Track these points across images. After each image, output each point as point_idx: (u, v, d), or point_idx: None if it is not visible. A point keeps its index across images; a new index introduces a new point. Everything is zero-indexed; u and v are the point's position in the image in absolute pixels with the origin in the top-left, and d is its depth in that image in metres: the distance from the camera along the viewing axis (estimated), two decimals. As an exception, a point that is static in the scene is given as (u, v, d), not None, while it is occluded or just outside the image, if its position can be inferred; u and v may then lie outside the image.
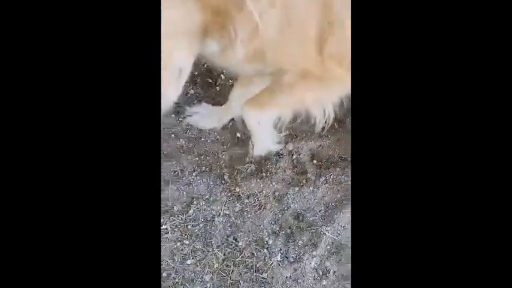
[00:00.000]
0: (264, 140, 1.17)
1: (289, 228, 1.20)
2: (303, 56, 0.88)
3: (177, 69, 0.81)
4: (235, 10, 0.78)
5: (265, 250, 1.16)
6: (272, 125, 1.10)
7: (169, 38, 0.75)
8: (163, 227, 1.19)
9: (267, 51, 0.88)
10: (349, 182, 1.26)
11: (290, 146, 1.28)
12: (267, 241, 1.18)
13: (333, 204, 1.25)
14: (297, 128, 1.26)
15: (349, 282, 1.12)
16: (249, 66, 0.97)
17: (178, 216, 1.20)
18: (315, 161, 1.30)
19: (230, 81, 1.46)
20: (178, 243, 1.16)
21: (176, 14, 0.75)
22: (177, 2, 0.75)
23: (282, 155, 1.28)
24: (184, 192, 1.24)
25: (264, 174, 1.26)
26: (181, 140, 1.33)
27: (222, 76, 1.47)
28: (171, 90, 0.81)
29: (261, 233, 1.18)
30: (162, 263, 1.14)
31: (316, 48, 0.88)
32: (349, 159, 1.30)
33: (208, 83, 1.45)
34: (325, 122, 1.05)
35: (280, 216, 1.21)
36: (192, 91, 1.40)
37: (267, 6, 0.80)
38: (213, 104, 1.38)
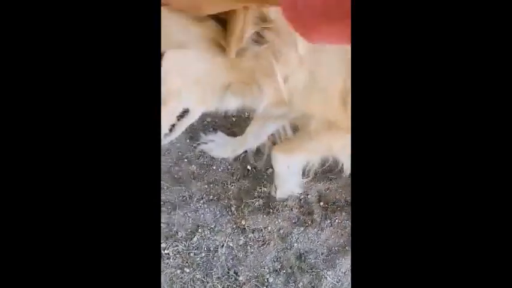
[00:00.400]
0: (289, 184, 1.19)
1: (291, 268, 1.19)
2: (328, 106, 0.91)
3: (182, 109, 0.82)
4: (263, 74, 0.81)
5: (265, 287, 1.15)
6: (300, 170, 1.13)
7: (190, 87, 0.78)
8: (165, 251, 1.18)
9: (293, 101, 0.91)
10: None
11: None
12: (267, 279, 1.17)
13: (335, 248, 1.25)
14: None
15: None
16: (271, 109, 1.00)
17: (181, 243, 1.19)
18: (321, 203, 1.31)
19: (246, 113, 1.50)
20: (179, 271, 1.15)
21: (202, 68, 0.77)
22: (206, 58, 0.76)
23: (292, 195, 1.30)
24: (190, 219, 1.24)
25: (270, 210, 1.27)
26: (193, 165, 1.34)
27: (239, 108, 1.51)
28: (164, 124, 0.81)
29: (262, 270, 1.18)
30: (160, 289, 1.12)
31: (339, 99, 0.92)
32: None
33: (225, 112, 1.48)
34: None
35: (282, 254, 1.21)
36: (208, 119, 1.42)
37: (294, 68, 0.83)
38: (228, 134, 1.41)
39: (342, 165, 1.07)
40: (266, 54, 0.77)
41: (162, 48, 0.73)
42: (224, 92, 0.84)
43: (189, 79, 0.78)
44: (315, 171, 1.18)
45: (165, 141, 0.84)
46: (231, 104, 0.90)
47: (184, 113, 0.83)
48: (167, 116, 0.80)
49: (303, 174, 1.18)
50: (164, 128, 0.82)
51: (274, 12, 0.74)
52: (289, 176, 1.17)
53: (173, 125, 0.83)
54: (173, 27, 0.73)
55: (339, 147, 1.02)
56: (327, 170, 1.28)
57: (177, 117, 0.83)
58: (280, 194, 1.25)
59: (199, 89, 0.80)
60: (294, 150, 1.10)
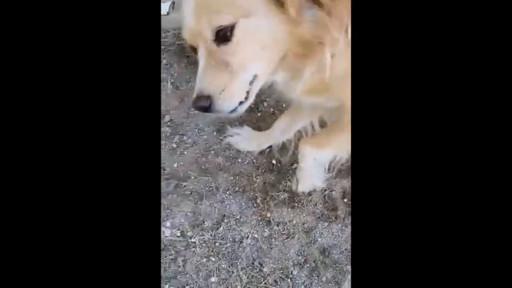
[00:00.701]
0: (312, 178, 1.20)
1: (314, 262, 1.20)
2: None
3: (252, 75, 0.83)
4: (315, 47, 0.83)
5: (288, 280, 1.16)
6: (326, 164, 1.14)
7: (258, 48, 0.80)
8: (191, 240, 1.19)
9: (333, 87, 0.93)
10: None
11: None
12: (291, 271, 1.17)
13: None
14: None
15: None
16: (306, 98, 1.01)
17: (208, 232, 1.20)
18: (345, 200, 1.32)
19: (271, 109, 1.52)
20: (205, 259, 1.16)
21: (271, 29, 0.79)
22: (271, 23, 0.79)
23: (314, 189, 1.31)
24: (217, 209, 1.25)
25: (295, 204, 1.28)
26: (219, 157, 1.36)
27: (265, 103, 1.53)
28: (240, 92, 0.83)
29: (286, 262, 1.18)
30: (186, 276, 1.14)
31: None
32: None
33: (250, 107, 1.50)
34: None
35: (306, 248, 1.22)
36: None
37: (340, 50, 0.85)
38: (253, 128, 1.43)
39: None
40: (321, 23, 0.78)
41: (234, 19, 0.77)
42: (280, 62, 0.85)
43: (258, 46, 0.80)
44: (339, 167, 1.19)
45: (242, 108, 0.85)
46: (278, 78, 0.91)
47: (254, 78, 0.84)
48: (242, 84, 0.82)
49: (328, 169, 1.19)
50: (241, 96, 0.83)
51: None
52: (313, 169, 1.18)
53: (247, 92, 0.84)
54: None
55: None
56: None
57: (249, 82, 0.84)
58: (301, 187, 1.26)
59: (265, 55, 0.82)
60: (322, 144, 1.11)
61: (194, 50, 0.85)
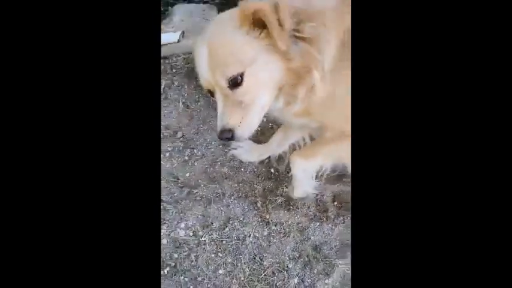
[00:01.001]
0: (305, 185, 1.40)
1: (307, 256, 1.39)
2: (344, 117, 1.12)
3: (260, 107, 1.06)
4: (305, 75, 1.03)
5: (285, 272, 1.35)
6: (314, 173, 1.33)
7: (263, 86, 1.02)
8: (202, 238, 1.40)
9: (314, 112, 1.13)
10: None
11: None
12: (287, 265, 1.37)
13: (347, 241, 1.44)
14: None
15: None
16: (297, 120, 1.22)
17: (216, 232, 1.41)
18: (335, 203, 1.51)
19: (270, 124, 1.72)
20: (213, 255, 1.37)
21: (270, 69, 1.01)
22: (270, 64, 1.00)
23: (307, 195, 1.50)
24: (223, 212, 1.46)
25: (291, 207, 1.48)
26: (225, 167, 1.57)
27: (264, 119, 1.73)
28: (253, 121, 1.05)
29: (283, 257, 1.38)
30: (198, 269, 1.34)
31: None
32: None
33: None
34: None
35: (300, 245, 1.41)
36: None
37: (318, 81, 1.05)
38: (254, 141, 1.64)
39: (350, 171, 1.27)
40: (306, 53, 0.99)
41: (242, 68, 0.98)
42: (279, 91, 1.07)
43: (262, 85, 1.02)
44: (327, 175, 1.38)
45: (254, 128, 1.07)
46: (279, 104, 1.12)
47: (262, 108, 1.07)
48: (253, 115, 1.05)
49: (316, 177, 1.37)
50: (254, 124, 1.06)
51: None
52: (305, 178, 1.37)
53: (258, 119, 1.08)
54: (246, 47, 0.98)
55: (348, 156, 1.22)
56: (342, 175, 1.49)
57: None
58: (296, 193, 1.46)
59: (268, 90, 1.04)
60: (309, 156, 1.31)
61: (211, 92, 1.08)
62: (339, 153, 1.21)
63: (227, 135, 1.02)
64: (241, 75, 0.99)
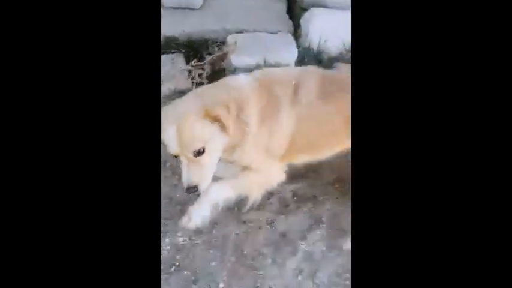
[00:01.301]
0: (202, 213, 1.67)
1: (277, 242, 1.84)
2: (254, 155, 1.65)
3: (215, 164, 1.61)
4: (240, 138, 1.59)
5: (261, 256, 1.79)
6: (221, 203, 1.68)
7: (217, 152, 1.57)
8: (198, 241, 1.84)
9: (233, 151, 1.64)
10: (318, 213, 1.92)
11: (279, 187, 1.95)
12: (262, 251, 1.81)
13: (306, 227, 1.89)
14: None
15: (316, 277, 1.73)
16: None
17: (205, 234, 1.86)
18: (295, 198, 1.96)
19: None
20: (206, 252, 1.81)
21: (221, 141, 1.57)
22: (222, 135, 1.54)
23: (272, 193, 1.95)
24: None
25: (260, 207, 1.93)
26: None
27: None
28: (211, 173, 1.59)
29: (258, 245, 1.82)
30: (195, 264, 1.78)
31: (263, 149, 1.65)
32: (319, 198, 1.97)
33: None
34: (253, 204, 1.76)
35: (271, 234, 1.86)
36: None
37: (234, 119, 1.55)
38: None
39: (248, 200, 1.74)
40: (241, 130, 1.55)
41: (203, 144, 1.50)
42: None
43: (216, 151, 1.55)
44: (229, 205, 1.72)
45: (210, 180, 1.59)
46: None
47: (215, 164, 1.59)
48: (211, 169, 1.57)
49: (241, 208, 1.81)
50: (211, 174, 1.57)
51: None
52: (207, 206, 1.68)
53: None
54: (206, 130, 1.49)
55: (252, 185, 1.72)
56: (299, 175, 1.94)
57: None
58: (192, 223, 1.67)
59: (219, 152, 1.58)
60: (226, 186, 1.72)
61: (176, 156, 1.55)
62: (241, 183, 1.71)
63: (193, 191, 1.51)
64: (203, 148, 1.49)
